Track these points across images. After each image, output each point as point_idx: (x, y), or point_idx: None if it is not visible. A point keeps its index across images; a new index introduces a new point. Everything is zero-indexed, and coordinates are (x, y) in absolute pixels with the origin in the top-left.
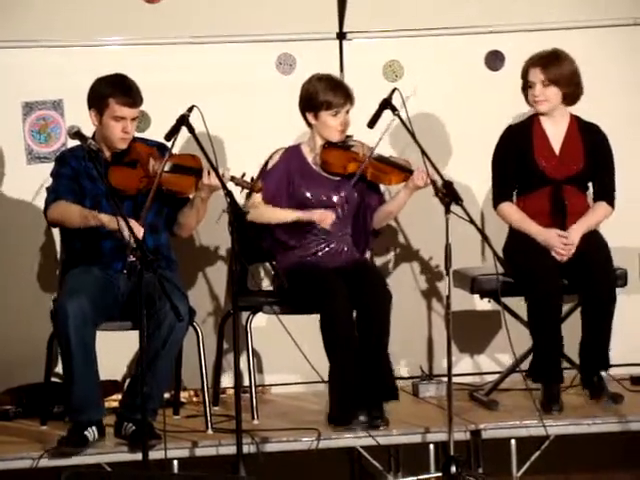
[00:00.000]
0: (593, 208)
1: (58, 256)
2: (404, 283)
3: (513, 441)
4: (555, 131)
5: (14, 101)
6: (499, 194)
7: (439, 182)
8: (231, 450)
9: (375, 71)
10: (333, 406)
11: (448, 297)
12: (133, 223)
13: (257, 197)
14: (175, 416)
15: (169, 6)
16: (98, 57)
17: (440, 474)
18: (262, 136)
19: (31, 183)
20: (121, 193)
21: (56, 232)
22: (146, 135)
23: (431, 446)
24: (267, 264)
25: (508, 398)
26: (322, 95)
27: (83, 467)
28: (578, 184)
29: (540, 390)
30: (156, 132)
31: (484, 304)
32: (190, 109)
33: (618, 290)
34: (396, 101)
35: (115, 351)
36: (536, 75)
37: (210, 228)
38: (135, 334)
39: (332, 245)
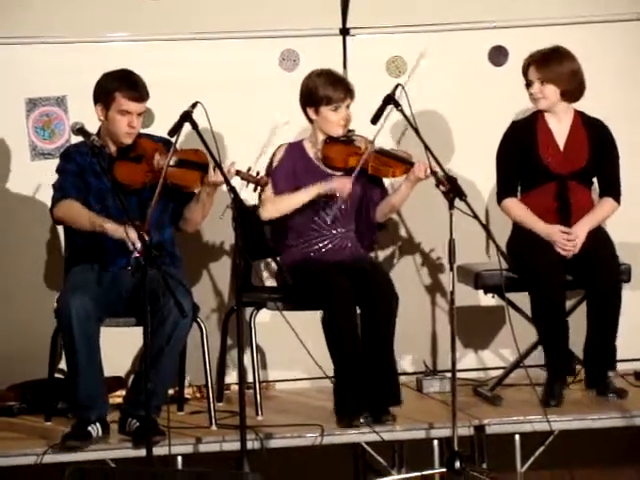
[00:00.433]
0: (599, 204)
1: (62, 252)
2: (408, 278)
3: (517, 436)
4: (559, 127)
5: (18, 97)
6: (503, 190)
7: (440, 173)
8: (235, 446)
9: (378, 67)
10: (337, 401)
11: (452, 292)
12: (132, 234)
13: (267, 193)
14: (179, 412)
15: (172, 2)
16: (102, 53)
17: (444, 469)
18: (265, 132)
19: (35, 179)
20: (126, 188)
21: (60, 228)
22: (149, 131)
23: (435, 442)
24: (271, 260)
25: (512, 393)
26: (322, 90)
27: (87, 463)
28: (582, 179)
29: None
30: (160, 128)
31: (488, 299)
32: (194, 105)
33: (623, 285)
34: (400, 97)
35: (119, 347)
36: (534, 73)
37: (214, 224)
38: (139, 330)
39: (336, 241)
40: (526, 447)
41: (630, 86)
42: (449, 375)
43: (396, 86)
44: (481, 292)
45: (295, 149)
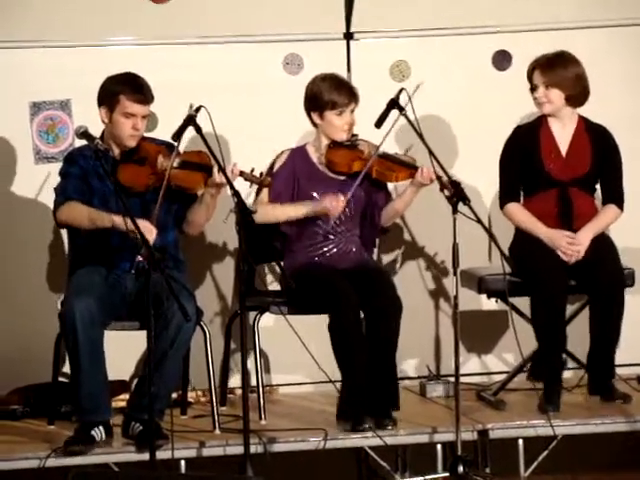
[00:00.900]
0: (602, 211)
1: (66, 255)
2: (411, 283)
3: (520, 441)
4: (562, 132)
5: (22, 101)
6: (506, 194)
7: (444, 178)
8: (238, 450)
9: (382, 71)
10: (341, 405)
11: (455, 297)
12: (144, 223)
13: (264, 195)
14: (182, 416)
15: (176, 6)
16: (106, 57)
17: (447, 474)
18: (269, 136)
19: (39, 183)
20: (130, 190)
21: (64, 231)
22: (154, 135)
23: (438, 446)
24: (275, 264)
25: (515, 398)
26: (327, 95)
27: (90, 467)
28: (584, 186)
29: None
30: (163, 132)
31: (491, 304)
32: (197, 109)
33: (626, 290)
34: (403, 101)
35: (123, 351)
36: (539, 77)
37: (217, 228)
38: (142, 334)
39: (340, 245)
40: (529, 452)
41: (635, 91)
42: (452, 379)
43: (400, 90)
44: (484, 296)
45: (298, 154)
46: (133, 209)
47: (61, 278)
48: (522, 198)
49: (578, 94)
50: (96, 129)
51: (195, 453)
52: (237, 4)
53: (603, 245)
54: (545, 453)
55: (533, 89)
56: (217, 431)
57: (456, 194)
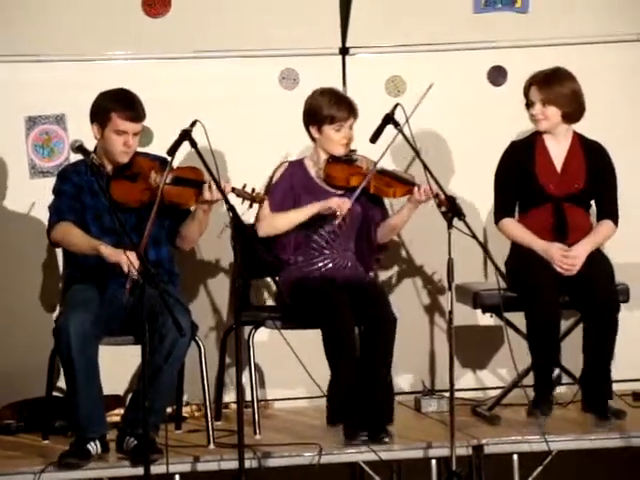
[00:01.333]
0: (598, 226)
1: (60, 270)
2: (407, 298)
3: (515, 456)
4: (557, 149)
5: (17, 115)
6: (500, 210)
7: (442, 196)
8: (233, 465)
9: (378, 86)
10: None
11: (450, 312)
12: (128, 256)
13: (264, 209)
14: (177, 431)
15: (172, 21)
16: (101, 72)
17: None
18: (265, 151)
19: (34, 197)
20: (123, 206)
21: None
22: (149, 150)
23: (433, 461)
24: (269, 279)
25: (510, 413)
26: (326, 109)
27: None
28: (579, 201)
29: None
30: (158, 147)
31: (486, 319)
32: (193, 124)
33: (620, 306)
34: (399, 116)
35: (117, 366)
36: (535, 94)
37: (212, 242)
38: (137, 349)
39: (336, 261)
40: (524, 467)
41: (630, 107)
42: (447, 395)
43: (395, 105)
44: (479, 312)
45: (296, 167)
46: (127, 225)
47: (55, 293)
48: (517, 214)
49: (574, 111)
50: (91, 144)
51: (190, 468)
52: (233, 19)
53: (598, 262)
54: (540, 469)
55: (529, 105)
56: (212, 446)
57: (451, 209)
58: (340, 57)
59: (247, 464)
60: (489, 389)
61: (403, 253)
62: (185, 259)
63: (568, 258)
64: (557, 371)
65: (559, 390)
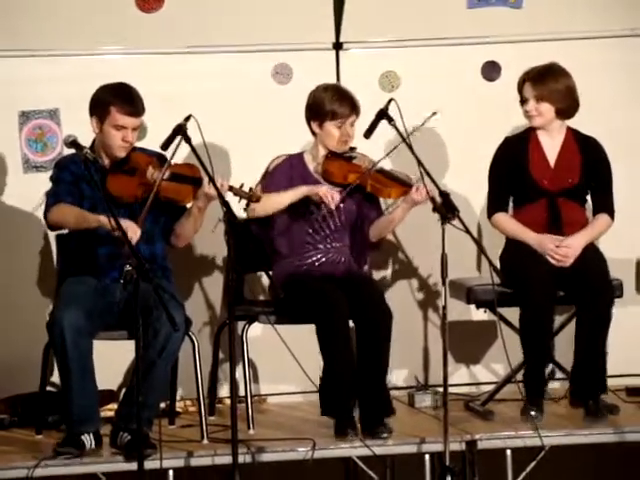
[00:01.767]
0: (594, 221)
1: (55, 265)
2: (401, 293)
3: (509, 451)
4: (551, 144)
5: (11, 110)
6: (493, 205)
7: (438, 198)
8: (227, 460)
9: (371, 81)
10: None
11: (444, 307)
12: (128, 223)
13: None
14: (171, 426)
15: (165, 16)
16: (94, 66)
17: None
18: (258, 145)
19: (27, 192)
20: (119, 200)
21: (53, 240)
22: (142, 145)
23: (427, 456)
24: (263, 273)
25: (504, 408)
26: (328, 105)
27: (78, 477)
28: (574, 196)
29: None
30: (152, 141)
31: (480, 314)
32: (187, 119)
33: (614, 302)
34: (393, 111)
35: (111, 360)
36: (529, 90)
37: (206, 237)
38: (131, 343)
39: (329, 256)
40: (517, 462)
41: (626, 103)
42: (441, 390)
43: (389, 101)
44: (473, 307)
45: (295, 160)
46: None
47: (49, 288)
48: (511, 209)
49: (568, 107)
50: (85, 138)
51: (183, 463)
52: (226, 14)
53: (592, 256)
54: (533, 464)
55: (523, 102)
56: (205, 441)
57: (445, 204)
58: (334, 52)
59: (241, 459)
60: (483, 384)
61: (398, 249)
62: (178, 254)
63: (561, 248)
64: (550, 366)
65: (552, 385)
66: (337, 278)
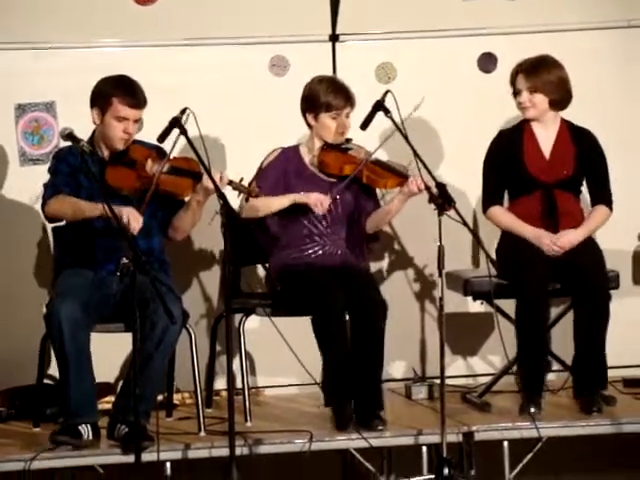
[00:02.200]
0: (592, 212)
1: (52, 257)
2: (397, 285)
3: (506, 443)
4: (545, 135)
5: (7, 103)
6: (488, 198)
7: (434, 189)
8: (224, 452)
9: (368, 73)
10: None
11: (441, 299)
12: (130, 210)
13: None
14: (168, 418)
15: (162, 8)
16: (91, 59)
17: (433, 476)
18: (254, 137)
19: (24, 185)
20: (117, 192)
21: (50, 233)
22: (137, 137)
23: (424, 448)
24: (260, 266)
25: (501, 400)
26: (323, 97)
27: (76, 469)
28: (569, 188)
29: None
30: (148, 134)
31: (477, 306)
32: (183, 111)
33: (611, 294)
34: (389, 103)
35: (108, 353)
36: (522, 82)
37: (203, 230)
38: (128, 336)
39: (326, 247)
40: (514, 454)
41: (621, 94)
42: (438, 381)
43: (385, 92)
44: (470, 299)
45: (290, 153)
46: None
47: (46, 280)
48: (507, 202)
49: (561, 98)
50: (81, 131)
51: (180, 455)
52: (223, 6)
53: (588, 249)
54: (530, 455)
55: (516, 94)
56: (202, 433)
57: (441, 196)
58: (330, 44)
59: (238, 451)
60: (479, 376)
61: (394, 241)
62: (176, 247)
63: (559, 240)
64: (547, 358)
65: (549, 377)
66: (334, 270)
